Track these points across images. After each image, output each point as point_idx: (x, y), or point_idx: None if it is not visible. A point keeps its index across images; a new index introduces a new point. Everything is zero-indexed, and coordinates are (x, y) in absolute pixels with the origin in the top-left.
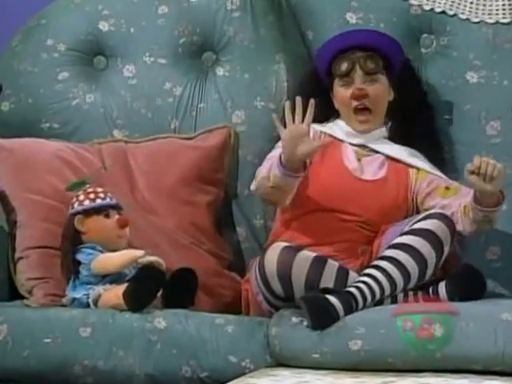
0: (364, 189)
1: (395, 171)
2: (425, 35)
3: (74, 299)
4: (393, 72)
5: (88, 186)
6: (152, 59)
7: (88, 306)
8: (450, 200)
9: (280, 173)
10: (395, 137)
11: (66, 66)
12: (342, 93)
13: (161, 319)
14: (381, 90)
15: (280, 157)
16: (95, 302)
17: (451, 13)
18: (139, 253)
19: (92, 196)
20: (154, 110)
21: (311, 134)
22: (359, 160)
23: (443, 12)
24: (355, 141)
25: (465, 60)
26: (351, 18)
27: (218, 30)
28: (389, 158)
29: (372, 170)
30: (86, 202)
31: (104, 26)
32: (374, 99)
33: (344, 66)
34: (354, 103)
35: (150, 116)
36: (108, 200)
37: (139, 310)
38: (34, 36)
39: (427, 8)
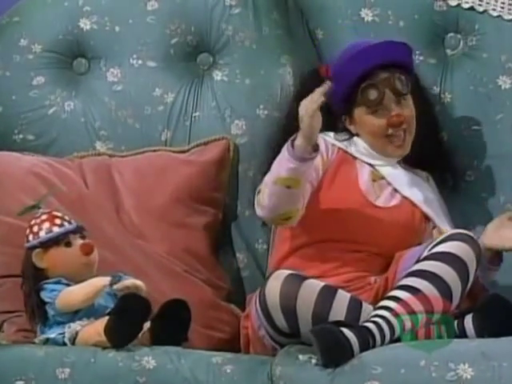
0: (378, 216)
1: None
2: (451, 34)
3: (47, 340)
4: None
5: (40, 209)
6: (140, 62)
7: (65, 345)
8: None
9: (295, 161)
10: (406, 158)
11: (41, 70)
12: (373, 122)
13: (149, 358)
14: (412, 111)
15: (290, 146)
16: (72, 341)
17: (481, 9)
18: (104, 281)
19: (47, 225)
20: (143, 120)
21: (323, 145)
22: (374, 181)
23: (472, 8)
24: (372, 161)
25: (496, 63)
26: (367, 14)
27: (216, 28)
28: None
29: (386, 196)
30: (42, 233)
31: (85, 24)
32: (408, 122)
33: (374, 95)
34: (391, 131)
35: (138, 126)
36: (66, 225)
37: (125, 345)
38: (6, 36)
39: (453, 3)
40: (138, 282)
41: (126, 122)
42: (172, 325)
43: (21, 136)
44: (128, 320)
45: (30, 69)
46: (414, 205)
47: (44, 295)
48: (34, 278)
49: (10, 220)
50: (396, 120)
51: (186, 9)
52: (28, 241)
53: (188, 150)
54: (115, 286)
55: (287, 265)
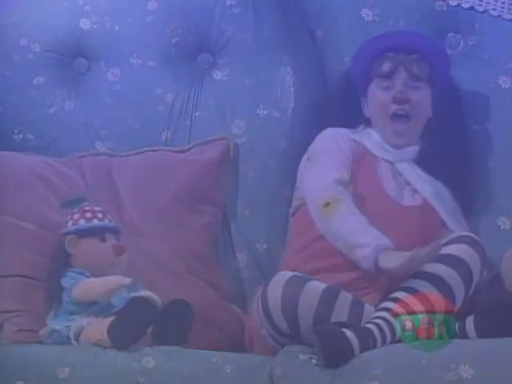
0: (401, 215)
1: None
2: (451, 34)
3: (52, 331)
4: (435, 86)
5: (85, 203)
6: (140, 61)
7: (68, 339)
8: None
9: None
10: (423, 160)
11: (41, 70)
12: (380, 96)
13: (150, 358)
14: (424, 100)
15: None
16: (77, 337)
17: (481, 9)
18: (124, 280)
19: (89, 215)
20: (143, 120)
21: (345, 137)
22: (394, 179)
23: (472, 8)
24: (386, 156)
25: (496, 63)
26: (367, 14)
27: (216, 28)
28: None
29: (409, 194)
30: (82, 222)
31: (85, 24)
32: (415, 107)
33: (387, 66)
34: (394, 107)
35: (138, 126)
36: (106, 221)
37: (125, 347)
38: (5, 35)
39: (453, 3)
40: (155, 297)
41: (126, 121)
42: (173, 325)
43: (21, 136)
44: (132, 323)
45: (30, 69)
46: (432, 208)
47: (64, 281)
48: (60, 262)
49: (9, 219)
50: (400, 96)
51: (185, 9)
52: (66, 226)
53: (188, 150)
54: (133, 294)
55: (298, 260)
